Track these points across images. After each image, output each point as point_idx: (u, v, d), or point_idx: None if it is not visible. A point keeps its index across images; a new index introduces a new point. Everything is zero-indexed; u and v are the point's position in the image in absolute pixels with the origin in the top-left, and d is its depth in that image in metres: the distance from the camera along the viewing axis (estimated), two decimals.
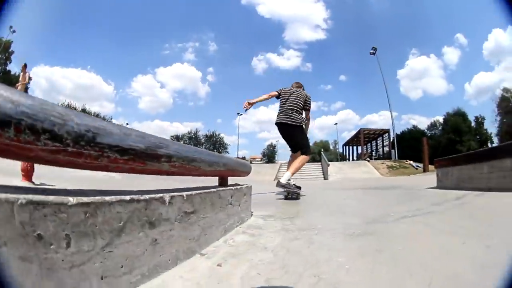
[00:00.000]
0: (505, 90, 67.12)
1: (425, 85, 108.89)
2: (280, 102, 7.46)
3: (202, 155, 2.78)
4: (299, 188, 6.94)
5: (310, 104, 7.52)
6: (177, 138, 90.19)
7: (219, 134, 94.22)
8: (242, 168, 4.51)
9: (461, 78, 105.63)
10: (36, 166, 7.35)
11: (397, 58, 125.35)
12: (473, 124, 74.02)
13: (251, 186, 4.64)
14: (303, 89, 7.70)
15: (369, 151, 56.33)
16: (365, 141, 56.80)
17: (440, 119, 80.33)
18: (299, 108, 7.23)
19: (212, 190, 2.91)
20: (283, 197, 7.10)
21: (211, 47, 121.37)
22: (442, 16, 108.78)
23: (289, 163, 7.47)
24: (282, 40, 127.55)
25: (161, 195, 2.02)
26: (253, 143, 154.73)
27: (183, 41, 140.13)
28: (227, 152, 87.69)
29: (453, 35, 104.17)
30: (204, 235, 2.64)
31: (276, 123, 7.36)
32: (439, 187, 8.71)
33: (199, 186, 3.19)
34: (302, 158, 7.06)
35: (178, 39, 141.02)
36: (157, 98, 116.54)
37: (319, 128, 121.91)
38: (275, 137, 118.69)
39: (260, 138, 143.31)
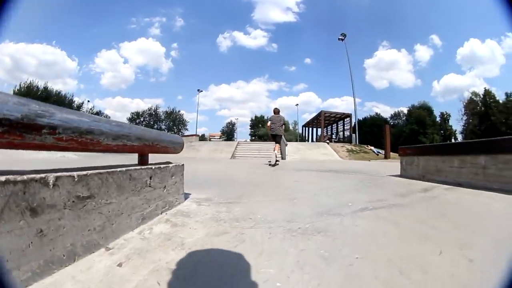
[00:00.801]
0: (474, 94, 73.58)
1: (392, 76, 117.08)
2: (270, 122, 14.73)
3: (102, 125, 2.35)
4: (278, 161, 14.29)
5: (284, 123, 14.84)
6: (137, 115, 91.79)
7: (179, 111, 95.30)
8: (167, 143, 3.90)
9: (430, 75, 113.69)
10: None
11: (367, 48, 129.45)
12: (438, 119, 78.70)
13: (182, 164, 3.99)
14: (280, 113, 14.96)
15: (329, 133, 56.59)
16: (325, 124, 56.38)
17: (405, 110, 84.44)
18: (281, 126, 14.46)
19: (118, 169, 2.51)
20: (233, 177, 7.95)
21: (178, 22, 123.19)
22: (420, 15, 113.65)
23: (275, 148, 14.04)
24: (250, 19, 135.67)
25: (43, 175, 1.74)
26: (213, 121, 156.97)
27: (150, 16, 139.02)
28: (187, 129, 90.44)
29: (428, 35, 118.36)
30: (111, 224, 2.32)
31: (271, 134, 14.70)
32: (402, 175, 8.32)
33: (106, 165, 2.69)
34: (278, 145, 14.27)
35: (146, 13, 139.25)
36: (119, 73, 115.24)
37: (280, 108, 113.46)
38: (234, 114, 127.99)
39: (220, 115, 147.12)
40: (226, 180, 7.39)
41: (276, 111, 14.68)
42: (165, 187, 3.36)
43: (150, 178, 3.03)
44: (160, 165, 3.35)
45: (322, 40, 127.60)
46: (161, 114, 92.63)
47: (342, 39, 49.27)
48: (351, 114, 49.34)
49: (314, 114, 60.99)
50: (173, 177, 3.61)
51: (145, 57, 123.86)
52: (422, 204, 4.22)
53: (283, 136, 15.32)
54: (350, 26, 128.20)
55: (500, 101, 67.20)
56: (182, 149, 4.38)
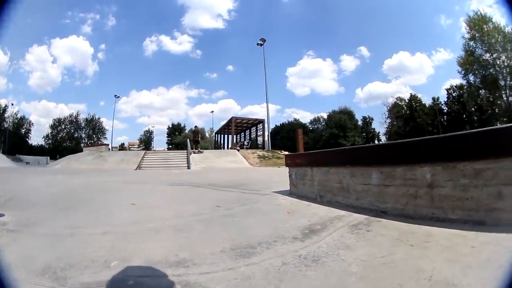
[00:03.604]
0: (399, 99, 76.93)
1: (314, 84, 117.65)
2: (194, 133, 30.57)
3: None
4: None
5: (199, 134, 30.44)
6: (59, 122, 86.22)
7: (98, 118, 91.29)
8: None
9: (354, 83, 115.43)
10: None
11: (291, 57, 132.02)
12: (360, 123, 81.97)
13: None
14: (197, 127, 32.20)
15: (241, 140, 54.27)
16: (238, 130, 55.96)
17: (325, 115, 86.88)
18: (198, 137, 29.56)
19: None
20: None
21: (110, 21, 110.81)
22: (352, 28, 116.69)
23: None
24: (179, 24, 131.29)
25: None
26: (133, 128, 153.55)
27: (85, 11, 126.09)
28: (105, 137, 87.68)
29: (356, 46, 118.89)
30: None
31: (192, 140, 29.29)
32: (292, 193, 6.43)
33: None
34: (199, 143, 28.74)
35: (82, 8, 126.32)
36: (47, 74, 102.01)
37: (198, 115, 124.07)
38: (154, 122, 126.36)
39: (140, 122, 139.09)
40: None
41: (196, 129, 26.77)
42: None
43: None
44: None
45: (247, 48, 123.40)
46: (81, 121, 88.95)
47: (261, 44, 47.63)
48: (264, 120, 48.35)
49: None
50: None
51: (73, 57, 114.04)
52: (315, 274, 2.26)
53: (193, 144, 23.04)
54: (279, 35, 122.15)
55: (427, 105, 71.58)
56: None
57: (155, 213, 4.89)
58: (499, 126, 3.96)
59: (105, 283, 2.15)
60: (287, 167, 6.97)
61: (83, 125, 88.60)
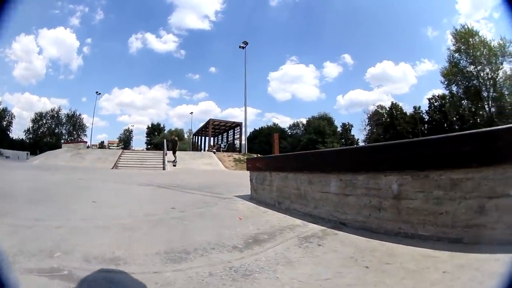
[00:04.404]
0: (380, 106, 78.18)
1: (295, 89, 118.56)
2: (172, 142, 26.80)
3: None
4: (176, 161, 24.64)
5: (177, 144, 27.09)
6: (40, 116, 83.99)
7: (79, 115, 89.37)
8: None
9: (336, 90, 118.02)
10: None
11: (274, 61, 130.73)
12: (339, 129, 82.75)
13: None
14: (175, 136, 31.02)
15: (218, 142, 55.27)
16: (215, 132, 55.69)
17: (304, 120, 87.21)
18: (176, 147, 26.23)
19: None
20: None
21: (98, 15, 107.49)
22: (337, 35, 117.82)
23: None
24: (165, 22, 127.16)
25: None
26: (113, 126, 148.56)
27: (75, 2, 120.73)
28: (85, 134, 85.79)
29: (340, 54, 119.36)
30: None
31: (170, 140, 27.75)
32: (253, 198, 6.33)
33: None
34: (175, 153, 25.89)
35: None
36: (32, 65, 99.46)
37: (178, 116, 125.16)
38: (134, 121, 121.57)
39: (120, 121, 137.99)
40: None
41: (175, 134, 26.82)
42: None
43: None
44: None
45: (230, 51, 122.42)
46: (62, 117, 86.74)
47: (243, 47, 47.73)
48: (241, 123, 48.18)
49: None
50: None
51: (59, 49, 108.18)
52: None
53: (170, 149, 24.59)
54: (264, 39, 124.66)
55: (408, 114, 73.05)
56: None
57: (111, 211, 4.93)
58: (484, 129, 3.24)
59: (44, 270, 2.30)
60: (249, 171, 6.90)
61: (64, 120, 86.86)
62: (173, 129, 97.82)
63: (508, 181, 2.63)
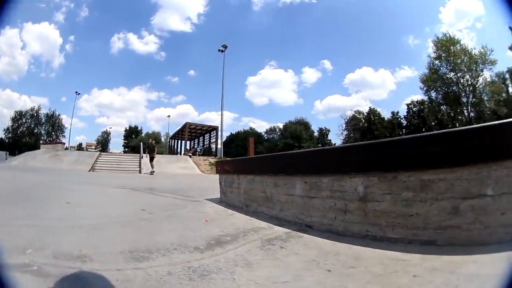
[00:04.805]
0: (358, 112, 78.92)
1: (273, 94, 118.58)
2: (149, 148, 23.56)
3: None
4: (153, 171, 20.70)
5: (155, 149, 23.95)
6: (20, 115, 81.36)
7: (59, 115, 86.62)
8: None
9: (314, 95, 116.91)
10: None
11: (253, 66, 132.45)
12: (316, 134, 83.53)
13: None
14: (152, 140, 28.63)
15: (195, 146, 54.37)
16: (192, 136, 56.08)
17: (281, 125, 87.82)
18: (154, 153, 22.54)
19: None
20: None
21: (83, 12, 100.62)
22: (317, 41, 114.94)
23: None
24: (148, 23, 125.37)
25: None
26: (92, 128, 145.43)
27: None
28: (64, 135, 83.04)
29: (320, 59, 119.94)
30: None
31: (147, 145, 25.09)
32: (222, 201, 6.40)
33: None
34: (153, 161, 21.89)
35: None
36: (15, 61, 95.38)
37: (156, 119, 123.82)
38: (112, 123, 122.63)
39: (99, 123, 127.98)
40: None
41: (151, 138, 24.07)
42: None
43: None
44: None
45: (210, 54, 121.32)
46: (42, 116, 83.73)
47: (223, 51, 47.53)
48: (217, 127, 48.27)
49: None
50: None
51: (42, 45, 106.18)
52: None
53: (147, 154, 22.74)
54: (244, 44, 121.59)
55: (386, 119, 74.12)
56: None
57: (84, 212, 5.03)
58: (456, 128, 3.38)
59: (16, 265, 2.37)
60: (218, 174, 6.85)
61: (43, 120, 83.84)
62: (150, 132, 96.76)
63: (484, 181, 2.62)
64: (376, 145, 3.58)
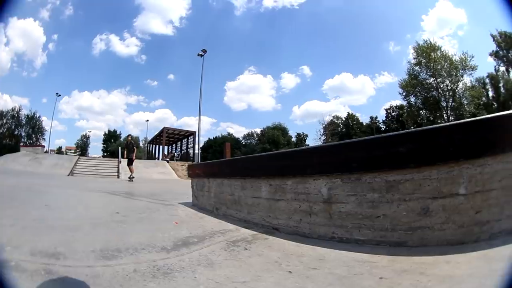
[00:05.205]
0: (336, 117, 78.22)
1: (252, 99, 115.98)
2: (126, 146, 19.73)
3: None
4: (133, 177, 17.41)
5: (134, 145, 19.74)
6: (1, 115, 77.16)
7: (39, 117, 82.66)
8: None
9: (292, 101, 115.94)
10: None
11: (232, 71, 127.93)
12: (294, 139, 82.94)
13: None
14: (131, 138, 21.89)
15: (172, 151, 55.65)
16: (169, 141, 56.90)
17: (259, 130, 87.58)
18: (132, 146, 19.11)
19: None
20: None
21: (68, 10, 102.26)
22: (297, 47, 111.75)
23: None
24: (130, 25, 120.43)
25: None
26: (72, 131, 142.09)
27: None
28: (44, 138, 79.84)
29: (299, 65, 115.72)
30: None
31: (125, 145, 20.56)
32: (195, 205, 6.49)
33: None
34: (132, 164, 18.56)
35: None
36: None
37: (135, 123, 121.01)
38: (91, 126, 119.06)
39: (78, 126, 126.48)
40: None
41: (130, 137, 20.22)
42: None
43: None
44: None
45: (190, 59, 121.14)
46: (22, 118, 79.95)
47: (202, 55, 46.26)
48: (195, 132, 47.40)
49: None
50: None
51: (25, 42, 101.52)
52: None
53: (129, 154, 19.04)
54: (224, 48, 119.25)
55: (364, 124, 73.87)
56: None
57: (61, 214, 5.08)
58: (419, 128, 3.25)
59: None
60: (190, 178, 6.96)
61: (24, 122, 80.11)
62: (128, 137, 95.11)
63: (455, 180, 2.60)
64: (338, 146, 3.75)
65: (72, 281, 2.21)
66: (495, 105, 46.78)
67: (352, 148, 3.36)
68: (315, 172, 3.40)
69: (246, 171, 4.63)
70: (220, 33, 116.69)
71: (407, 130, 3.03)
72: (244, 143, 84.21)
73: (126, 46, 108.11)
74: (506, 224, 2.54)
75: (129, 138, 20.84)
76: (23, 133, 76.81)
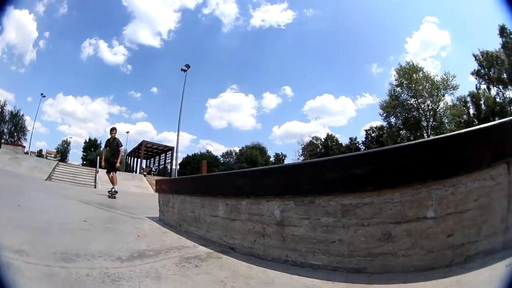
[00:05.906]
0: (315, 138, 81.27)
1: (232, 118, 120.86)
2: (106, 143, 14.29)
3: None
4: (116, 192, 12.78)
5: (119, 144, 13.75)
6: None
7: (22, 115, 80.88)
8: None
9: (272, 121, 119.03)
10: None
11: (215, 88, 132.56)
12: (272, 159, 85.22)
13: None
14: (116, 132, 14.18)
15: (150, 165, 55.65)
16: (148, 155, 57.84)
17: (237, 149, 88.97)
18: (117, 145, 13.58)
19: None
20: None
21: (63, 9, 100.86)
22: (280, 68, 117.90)
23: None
24: (120, 32, 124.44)
25: None
26: (53, 135, 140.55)
27: None
28: (25, 138, 78.09)
29: (281, 85, 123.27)
30: None
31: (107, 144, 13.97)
32: (161, 219, 6.57)
33: None
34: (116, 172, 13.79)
35: None
36: None
37: (116, 134, 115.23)
38: (73, 133, 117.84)
39: (60, 131, 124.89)
40: None
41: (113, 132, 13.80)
42: None
43: None
44: None
45: (175, 73, 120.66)
46: (6, 114, 77.73)
47: (185, 70, 46.32)
48: (173, 147, 47.51)
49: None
50: None
51: (18, 35, 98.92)
52: None
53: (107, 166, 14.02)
54: (208, 65, 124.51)
55: (343, 144, 76.22)
56: None
57: (32, 216, 5.16)
58: (379, 148, 3.14)
59: None
60: (157, 193, 7.02)
61: (7, 118, 77.88)
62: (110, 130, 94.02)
63: (422, 203, 2.46)
64: (289, 168, 3.64)
65: (30, 275, 2.36)
66: (476, 122, 47.12)
67: (304, 170, 3.35)
68: (267, 194, 3.40)
69: (205, 190, 4.68)
70: (206, 49, 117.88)
71: (364, 151, 3.01)
72: (222, 161, 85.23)
73: (114, 54, 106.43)
74: (484, 245, 2.43)
75: (114, 133, 13.66)
76: (5, 130, 74.51)
